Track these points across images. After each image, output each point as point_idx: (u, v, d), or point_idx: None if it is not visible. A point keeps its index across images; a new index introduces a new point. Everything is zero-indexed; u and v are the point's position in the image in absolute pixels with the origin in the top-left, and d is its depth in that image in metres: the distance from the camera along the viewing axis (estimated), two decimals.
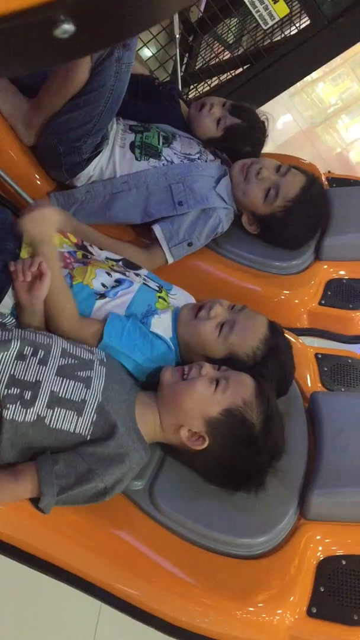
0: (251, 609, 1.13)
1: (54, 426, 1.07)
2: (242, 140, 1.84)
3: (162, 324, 1.34)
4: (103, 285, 1.33)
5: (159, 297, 1.41)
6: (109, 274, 1.36)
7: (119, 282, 1.36)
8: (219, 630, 1.14)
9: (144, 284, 1.42)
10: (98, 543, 1.15)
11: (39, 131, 1.57)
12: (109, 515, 1.14)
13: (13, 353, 1.08)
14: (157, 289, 1.44)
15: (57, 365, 1.11)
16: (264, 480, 1.19)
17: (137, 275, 1.44)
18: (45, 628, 1.62)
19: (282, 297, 1.77)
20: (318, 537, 1.23)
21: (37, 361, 1.09)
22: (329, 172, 2.47)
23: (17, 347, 1.09)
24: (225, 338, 1.30)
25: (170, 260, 1.67)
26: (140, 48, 2.51)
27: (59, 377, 1.09)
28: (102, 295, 1.31)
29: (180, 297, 1.49)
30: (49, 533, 1.14)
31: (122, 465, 1.09)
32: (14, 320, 1.21)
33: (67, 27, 0.55)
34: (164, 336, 1.31)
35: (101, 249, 1.50)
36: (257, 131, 1.87)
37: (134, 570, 1.15)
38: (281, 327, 1.39)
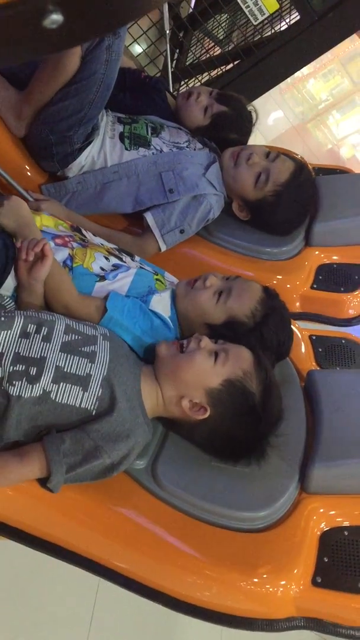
0: (255, 580, 1.14)
1: (59, 401, 1.08)
2: (229, 128, 1.86)
3: (161, 302, 1.36)
4: (102, 268, 1.34)
5: (156, 279, 1.43)
6: (107, 258, 1.38)
7: (116, 266, 1.37)
8: (223, 602, 1.15)
9: (141, 267, 1.44)
10: (102, 522, 1.16)
11: (30, 122, 1.58)
12: (112, 494, 1.15)
13: (17, 331, 1.09)
14: (153, 272, 1.46)
15: (61, 341, 1.11)
16: (265, 450, 1.20)
17: (132, 260, 1.46)
18: (44, 607, 1.62)
19: (275, 282, 1.78)
20: (321, 510, 1.23)
21: (41, 338, 1.10)
22: None
23: (21, 325, 1.10)
24: (224, 303, 1.34)
25: (163, 247, 1.68)
26: (131, 44, 2.54)
27: (63, 353, 1.10)
28: (102, 278, 1.33)
29: (174, 282, 1.51)
30: (51, 512, 1.14)
31: (128, 441, 1.10)
32: (13, 303, 1.22)
33: (56, 17, 0.56)
34: (162, 314, 1.33)
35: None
36: (244, 119, 1.89)
37: (138, 547, 1.16)
38: (275, 291, 1.42)
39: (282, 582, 1.14)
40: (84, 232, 1.47)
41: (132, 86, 1.86)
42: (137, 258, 1.50)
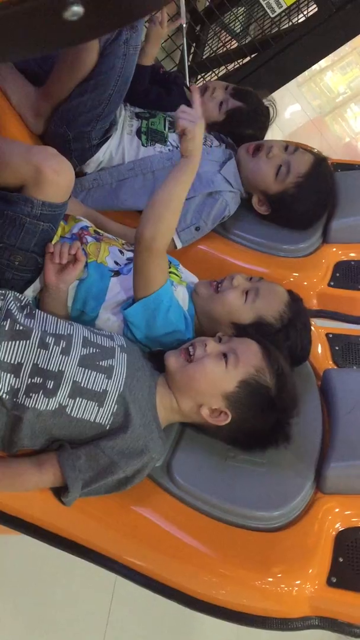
0: (270, 579, 1.14)
1: (75, 415, 1.09)
2: (244, 124, 1.85)
3: (179, 296, 1.36)
4: (116, 262, 1.35)
5: (171, 272, 1.42)
6: (121, 251, 1.38)
7: (131, 260, 1.37)
8: (238, 601, 1.15)
9: None
10: (117, 519, 1.17)
11: (48, 119, 1.58)
12: (127, 492, 1.15)
13: (35, 341, 1.09)
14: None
15: (79, 355, 1.12)
16: (289, 433, 1.22)
17: None
18: (61, 604, 1.64)
19: (291, 279, 1.77)
20: (336, 510, 1.23)
21: (59, 351, 1.10)
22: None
23: (39, 336, 1.10)
24: (253, 303, 1.35)
25: (179, 245, 1.68)
26: None
27: (81, 368, 1.11)
28: (117, 273, 1.33)
29: (186, 274, 1.51)
30: (68, 509, 1.15)
31: (142, 456, 1.11)
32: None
33: (76, 9, 0.56)
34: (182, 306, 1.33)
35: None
36: (260, 114, 1.88)
37: (153, 545, 1.16)
38: (299, 295, 1.44)
39: (297, 582, 1.14)
40: None
41: (151, 81, 1.85)
42: None
